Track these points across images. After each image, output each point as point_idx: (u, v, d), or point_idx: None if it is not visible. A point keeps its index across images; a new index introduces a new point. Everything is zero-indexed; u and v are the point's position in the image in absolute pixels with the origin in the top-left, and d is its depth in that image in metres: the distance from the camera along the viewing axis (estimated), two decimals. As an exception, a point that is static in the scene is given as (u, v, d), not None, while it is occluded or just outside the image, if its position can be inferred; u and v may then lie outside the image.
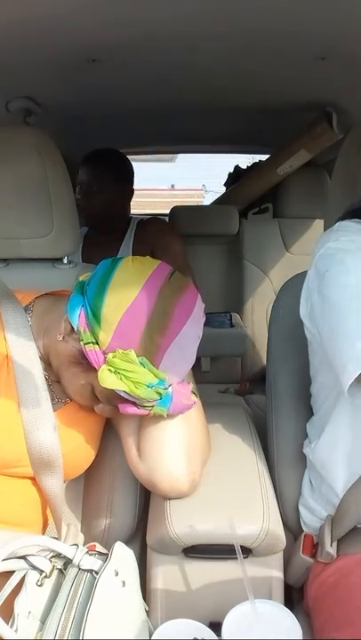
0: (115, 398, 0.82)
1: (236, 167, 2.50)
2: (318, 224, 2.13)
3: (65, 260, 1.14)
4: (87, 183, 1.80)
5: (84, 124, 1.81)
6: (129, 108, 1.65)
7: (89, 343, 0.79)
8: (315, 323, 0.87)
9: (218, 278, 2.26)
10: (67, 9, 0.90)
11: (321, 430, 0.93)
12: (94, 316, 0.79)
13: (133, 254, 1.46)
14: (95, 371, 0.80)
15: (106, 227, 1.89)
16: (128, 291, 0.79)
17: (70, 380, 0.87)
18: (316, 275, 0.86)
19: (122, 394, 0.79)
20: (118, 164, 1.88)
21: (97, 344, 0.79)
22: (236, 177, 2.44)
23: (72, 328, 0.82)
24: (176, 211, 2.33)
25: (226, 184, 2.55)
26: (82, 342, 0.80)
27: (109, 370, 0.78)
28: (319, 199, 2.05)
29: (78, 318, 0.80)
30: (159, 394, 0.80)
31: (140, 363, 0.77)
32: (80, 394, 0.87)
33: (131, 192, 1.96)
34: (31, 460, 0.85)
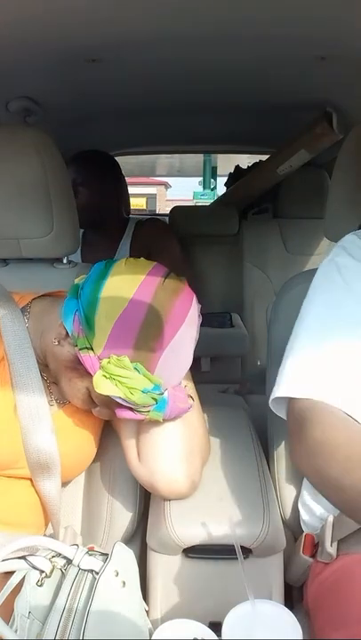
0: (111, 403, 0.81)
1: (237, 167, 2.50)
2: (318, 224, 2.12)
3: (65, 260, 1.14)
4: (73, 182, 1.79)
5: (83, 124, 1.81)
6: (129, 107, 1.66)
7: (83, 349, 0.78)
8: None
9: (218, 278, 2.26)
10: (67, 9, 0.90)
11: None
12: (88, 321, 0.78)
13: (131, 255, 1.46)
14: (91, 376, 0.79)
15: (99, 227, 1.89)
16: (122, 295, 0.78)
17: (67, 384, 0.86)
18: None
19: (117, 399, 0.78)
20: (102, 164, 1.88)
21: (91, 349, 0.78)
22: (237, 177, 2.44)
23: (67, 333, 0.81)
24: (176, 211, 2.33)
25: (226, 184, 2.55)
26: (76, 347, 0.79)
27: (104, 376, 0.77)
28: (319, 199, 2.05)
29: (73, 323, 0.79)
30: (155, 399, 0.79)
31: (135, 368, 0.76)
32: (77, 398, 0.86)
33: (119, 192, 1.95)
34: (28, 462, 0.85)
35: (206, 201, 6.85)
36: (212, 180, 7.12)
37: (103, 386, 0.77)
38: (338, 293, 0.85)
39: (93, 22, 0.97)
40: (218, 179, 7.08)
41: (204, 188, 7.27)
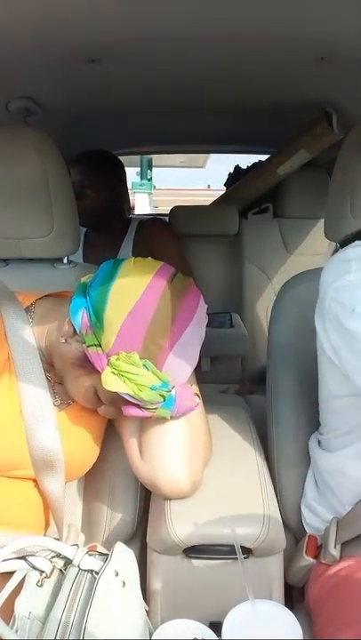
0: (118, 400, 0.81)
1: (237, 167, 2.50)
2: (318, 224, 2.13)
3: (65, 260, 1.14)
4: (78, 184, 1.80)
5: (84, 124, 1.81)
6: (129, 108, 1.65)
7: (92, 346, 0.79)
8: (336, 352, 0.85)
9: (218, 278, 2.26)
10: (67, 9, 0.90)
11: (339, 446, 0.92)
12: (97, 318, 0.79)
13: (134, 255, 1.47)
14: (98, 373, 0.79)
15: (102, 227, 1.89)
16: (130, 293, 0.79)
17: (73, 382, 0.86)
18: (340, 308, 0.84)
19: (125, 396, 0.79)
20: (108, 164, 1.88)
21: (100, 346, 0.79)
22: (237, 177, 2.44)
23: (74, 330, 0.81)
24: (176, 211, 2.33)
25: (226, 184, 2.55)
26: (84, 345, 0.80)
27: (113, 372, 0.78)
28: (319, 199, 2.04)
29: (81, 320, 0.80)
30: (163, 396, 0.80)
31: (144, 365, 0.77)
32: (83, 396, 0.87)
33: (123, 192, 1.95)
34: (33, 461, 0.85)
35: (144, 191, 7.59)
36: (149, 171, 7.67)
37: (111, 382, 0.78)
38: None
39: (93, 22, 0.97)
40: (153, 169, 7.72)
41: (142, 178, 7.78)
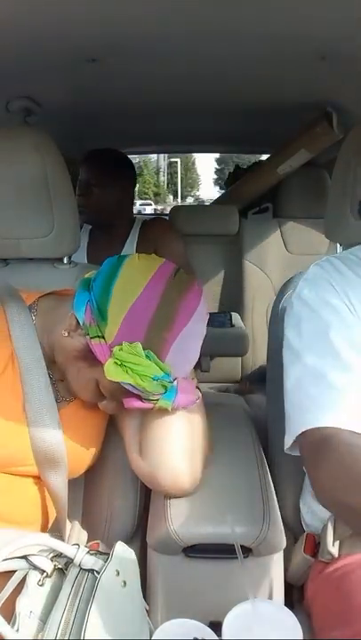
0: (120, 392, 0.82)
1: (237, 167, 2.51)
2: (318, 224, 2.12)
3: (65, 260, 1.14)
4: (86, 182, 1.80)
5: (84, 124, 1.81)
6: (129, 107, 1.65)
7: (95, 337, 0.80)
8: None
9: (218, 278, 2.26)
10: (67, 9, 0.90)
11: None
12: (100, 310, 0.80)
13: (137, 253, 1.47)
14: (100, 366, 0.80)
15: (108, 226, 1.90)
16: (134, 287, 0.80)
17: (75, 375, 0.87)
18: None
19: (127, 387, 0.79)
20: (118, 164, 1.88)
21: (103, 338, 0.80)
22: (237, 177, 2.44)
23: (78, 323, 0.82)
24: (176, 210, 2.33)
25: (226, 184, 2.55)
26: (88, 336, 0.81)
27: (115, 362, 0.78)
28: (319, 199, 2.05)
29: (84, 313, 0.81)
30: (164, 387, 0.80)
31: (146, 356, 0.78)
32: (85, 389, 0.87)
33: (132, 192, 1.95)
34: (36, 457, 0.85)
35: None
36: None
37: (114, 372, 0.78)
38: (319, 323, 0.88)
39: (93, 22, 0.97)
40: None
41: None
